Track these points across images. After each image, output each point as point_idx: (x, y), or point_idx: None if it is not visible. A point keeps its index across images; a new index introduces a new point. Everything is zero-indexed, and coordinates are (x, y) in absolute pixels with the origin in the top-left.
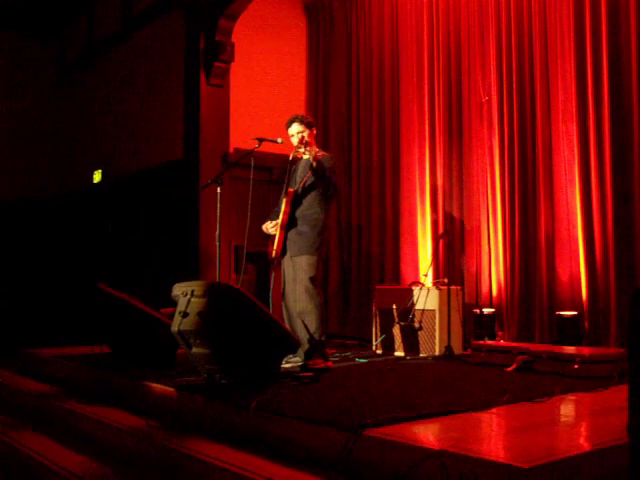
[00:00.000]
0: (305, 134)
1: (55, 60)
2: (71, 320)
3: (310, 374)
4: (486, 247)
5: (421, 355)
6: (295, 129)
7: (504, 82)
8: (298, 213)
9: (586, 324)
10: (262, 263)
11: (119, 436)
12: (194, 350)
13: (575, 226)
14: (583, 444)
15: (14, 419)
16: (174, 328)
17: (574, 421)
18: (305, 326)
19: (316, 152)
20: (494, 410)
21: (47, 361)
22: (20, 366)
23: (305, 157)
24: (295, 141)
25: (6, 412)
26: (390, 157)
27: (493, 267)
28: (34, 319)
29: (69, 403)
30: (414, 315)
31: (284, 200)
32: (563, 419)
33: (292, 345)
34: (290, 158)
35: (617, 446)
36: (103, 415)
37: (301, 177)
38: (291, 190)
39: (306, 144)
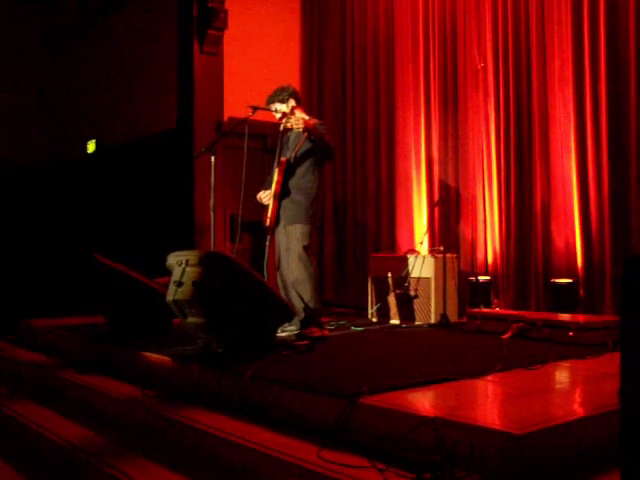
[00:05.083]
0: (284, 109)
1: (47, 27)
2: (68, 290)
3: (306, 343)
4: (482, 215)
5: (416, 323)
6: (273, 108)
7: (500, 48)
8: (291, 182)
9: (581, 291)
10: (257, 232)
11: (115, 405)
12: (189, 319)
13: (571, 193)
14: (577, 410)
15: (11, 389)
16: (169, 298)
17: (568, 388)
18: (299, 295)
19: (305, 120)
20: (489, 377)
21: (44, 331)
22: (17, 337)
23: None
24: (278, 116)
25: (3, 382)
26: (385, 125)
27: (489, 235)
28: (31, 289)
29: (66, 373)
30: (409, 283)
31: (276, 170)
32: (558, 386)
33: (287, 314)
34: (281, 128)
35: (611, 412)
36: (99, 385)
37: (293, 146)
38: (284, 159)
39: (294, 115)
